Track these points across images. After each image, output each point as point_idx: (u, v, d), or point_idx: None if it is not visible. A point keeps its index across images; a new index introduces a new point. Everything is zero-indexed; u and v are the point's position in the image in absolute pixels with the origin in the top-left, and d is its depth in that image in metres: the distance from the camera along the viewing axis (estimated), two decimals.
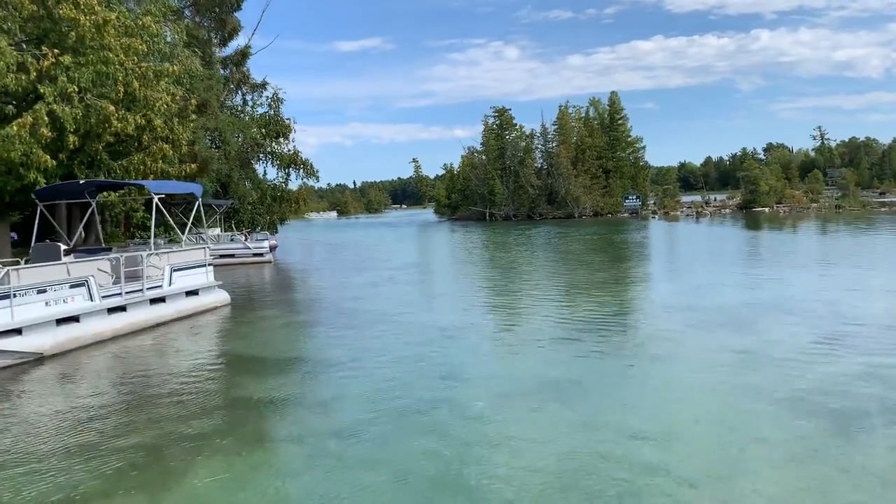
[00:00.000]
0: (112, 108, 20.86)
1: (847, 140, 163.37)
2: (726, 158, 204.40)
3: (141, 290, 14.60)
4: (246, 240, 32.80)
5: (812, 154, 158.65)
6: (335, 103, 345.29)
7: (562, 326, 13.11)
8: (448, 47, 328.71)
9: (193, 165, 24.76)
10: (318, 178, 41.51)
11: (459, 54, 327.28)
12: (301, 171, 41.13)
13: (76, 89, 20.96)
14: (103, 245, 18.56)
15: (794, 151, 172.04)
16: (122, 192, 22.66)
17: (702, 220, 64.34)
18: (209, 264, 17.30)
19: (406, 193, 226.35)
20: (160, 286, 15.26)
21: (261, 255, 32.28)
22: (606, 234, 48.02)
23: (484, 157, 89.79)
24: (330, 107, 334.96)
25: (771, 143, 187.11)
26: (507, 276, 24.02)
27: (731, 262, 25.48)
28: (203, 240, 31.94)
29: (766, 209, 74.77)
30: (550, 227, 60.59)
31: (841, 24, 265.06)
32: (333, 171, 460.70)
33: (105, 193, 22.68)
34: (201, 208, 17.72)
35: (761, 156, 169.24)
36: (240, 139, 36.93)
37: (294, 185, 42.25)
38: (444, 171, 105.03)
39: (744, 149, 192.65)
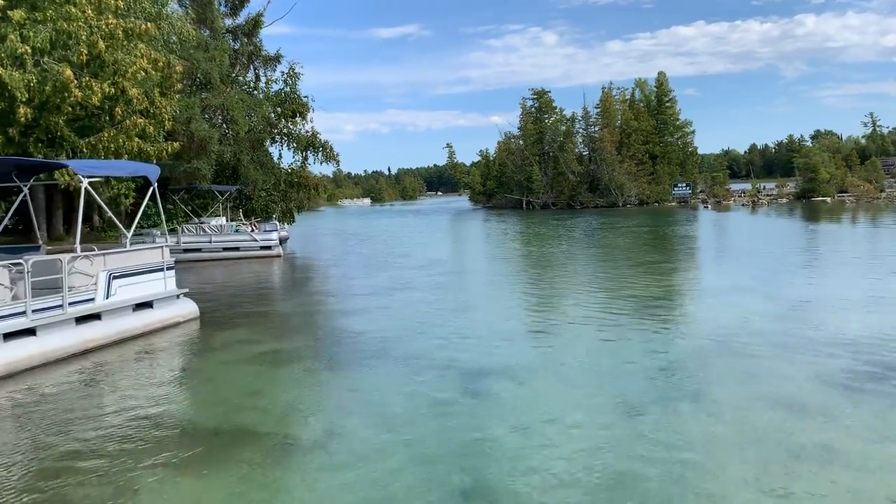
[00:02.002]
0: (70, 72, 17.21)
1: None
2: (772, 146, 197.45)
3: (61, 306, 10.89)
4: (252, 231, 29.17)
5: (863, 141, 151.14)
6: (372, 90, 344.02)
7: (628, 376, 9.00)
8: (485, 33, 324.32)
9: (176, 144, 21.04)
10: (338, 161, 37.81)
11: (496, 40, 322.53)
12: (320, 154, 37.44)
13: (29, 50, 17.41)
14: (39, 242, 14.88)
15: (844, 139, 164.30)
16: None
17: (758, 211, 59.12)
18: (170, 267, 13.54)
19: (442, 180, 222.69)
20: (91, 299, 11.53)
21: (269, 247, 28.63)
22: (657, 225, 43.43)
23: (521, 141, 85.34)
24: (367, 94, 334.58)
25: (819, 130, 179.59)
26: (546, 281, 19.89)
27: (826, 265, 20.93)
28: (205, 230, 28.47)
29: (828, 199, 68.96)
30: (593, 217, 56.06)
31: (890, 8, 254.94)
32: (370, 158, 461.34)
33: (56, 174, 19.07)
34: (157, 193, 13.92)
35: (808, 143, 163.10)
36: (253, 119, 33.23)
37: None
38: (479, 158, 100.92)
39: (790, 135, 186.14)
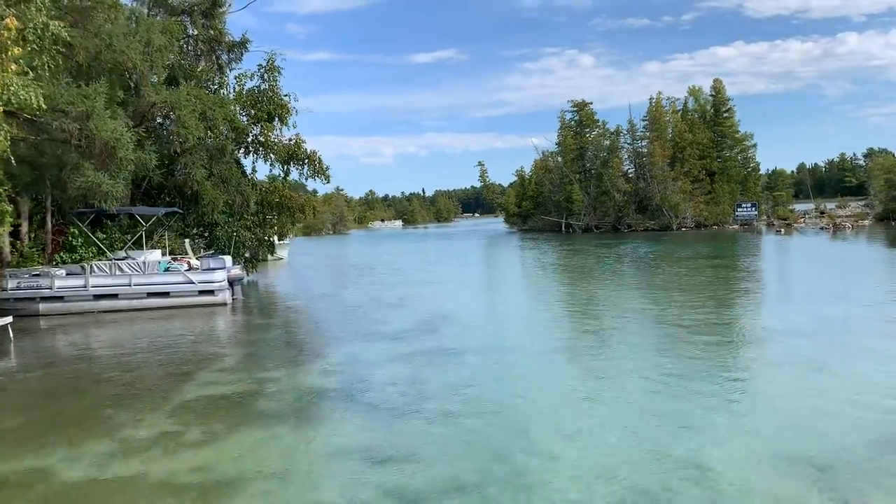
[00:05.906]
0: None
1: None
2: (822, 165, 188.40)
3: None
4: (189, 269, 21.59)
5: None
6: (411, 114, 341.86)
7: None
8: (521, 57, 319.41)
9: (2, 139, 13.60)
10: (328, 177, 30.09)
11: (533, 63, 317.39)
12: (305, 168, 29.96)
13: None
14: None
15: None
16: None
17: (841, 236, 49.72)
18: None
19: (479, 202, 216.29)
20: None
21: (210, 292, 21.06)
22: (727, 256, 34.73)
23: (560, 158, 76.98)
24: (405, 118, 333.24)
25: (872, 149, 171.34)
26: (592, 380, 11.83)
27: None
28: (122, 269, 21.00)
29: None
30: (643, 244, 47.45)
31: None
32: (408, 180, 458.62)
33: None
34: None
35: (861, 162, 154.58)
36: (221, 125, 25.83)
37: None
38: (515, 178, 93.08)
39: (842, 154, 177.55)
